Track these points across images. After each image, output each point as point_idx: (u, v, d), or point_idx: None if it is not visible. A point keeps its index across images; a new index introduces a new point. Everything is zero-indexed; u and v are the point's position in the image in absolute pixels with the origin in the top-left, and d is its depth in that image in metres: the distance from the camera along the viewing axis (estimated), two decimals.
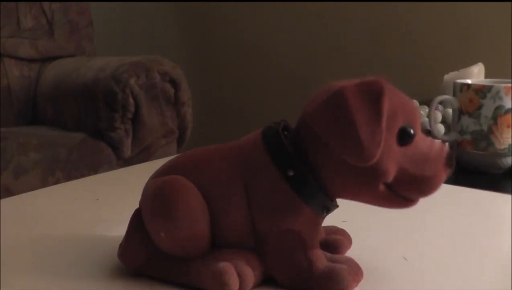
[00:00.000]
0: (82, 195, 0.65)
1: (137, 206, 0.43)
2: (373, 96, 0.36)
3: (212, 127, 2.18)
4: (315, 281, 0.39)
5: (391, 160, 0.37)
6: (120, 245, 0.43)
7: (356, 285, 0.40)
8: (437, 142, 0.39)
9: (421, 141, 0.38)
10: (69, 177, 1.29)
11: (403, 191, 0.38)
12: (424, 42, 1.64)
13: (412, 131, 0.37)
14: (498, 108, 0.76)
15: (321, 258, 0.40)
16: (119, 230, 0.44)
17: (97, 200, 0.63)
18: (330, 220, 0.43)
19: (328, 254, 0.42)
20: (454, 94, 0.81)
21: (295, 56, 1.94)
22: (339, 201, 0.42)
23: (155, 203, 0.40)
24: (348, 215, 0.49)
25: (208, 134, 2.07)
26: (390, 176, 0.37)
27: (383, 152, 0.36)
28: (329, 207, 0.40)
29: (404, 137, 0.37)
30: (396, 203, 0.39)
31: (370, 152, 0.35)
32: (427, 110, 0.92)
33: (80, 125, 1.47)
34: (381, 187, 0.37)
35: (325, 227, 0.45)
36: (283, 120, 0.42)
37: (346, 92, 0.36)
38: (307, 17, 1.89)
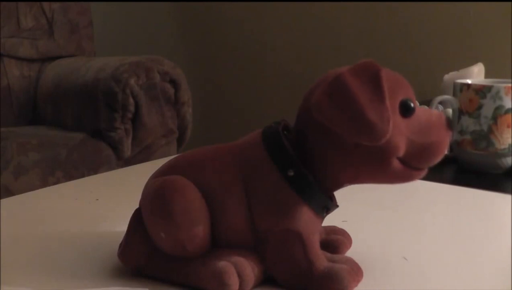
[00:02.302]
0: (82, 195, 0.65)
1: (137, 206, 0.43)
2: (371, 76, 0.37)
3: (212, 127, 2.18)
4: (315, 281, 0.39)
5: (399, 133, 0.37)
6: (120, 245, 0.43)
7: (356, 285, 0.40)
8: (434, 110, 0.40)
9: (420, 112, 0.39)
10: (69, 177, 1.28)
11: (414, 161, 0.38)
12: (424, 42, 1.64)
13: (412, 103, 0.38)
14: (498, 108, 0.76)
15: (321, 258, 0.40)
16: (119, 229, 0.44)
17: (97, 200, 0.63)
18: (330, 220, 0.43)
19: (328, 254, 0.42)
20: (454, 94, 0.81)
21: (295, 56, 1.94)
22: (339, 201, 0.42)
23: (155, 203, 0.40)
24: (348, 215, 0.49)
25: (208, 134, 2.07)
26: (402, 150, 0.38)
27: (392, 127, 0.36)
28: (329, 207, 0.40)
29: (406, 109, 0.38)
30: (409, 175, 0.39)
31: (382, 129, 0.36)
32: None
33: (80, 125, 1.47)
34: (395, 162, 0.38)
35: (325, 227, 0.45)
36: (283, 120, 0.42)
37: (345, 76, 0.37)
38: (307, 17, 1.89)
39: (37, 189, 0.71)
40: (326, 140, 0.38)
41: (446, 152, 0.39)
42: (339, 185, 0.40)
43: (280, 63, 1.99)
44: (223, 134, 2.09)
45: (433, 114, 0.39)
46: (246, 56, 2.07)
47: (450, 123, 0.39)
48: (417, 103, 0.40)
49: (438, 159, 0.39)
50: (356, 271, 0.40)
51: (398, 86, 0.38)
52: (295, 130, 0.41)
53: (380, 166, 0.38)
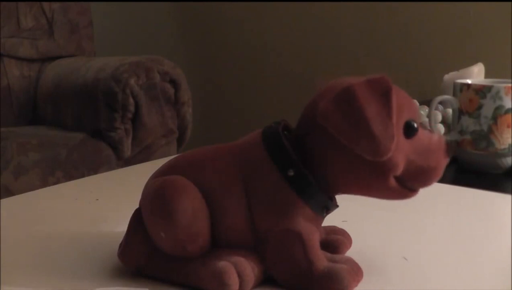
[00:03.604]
0: (82, 195, 0.65)
1: (137, 206, 0.43)
2: (382, 92, 0.37)
3: (212, 127, 2.18)
4: (315, 281, 0.39)
5: (400, 153, 0.38)
6: (120, 245, 0.43)
7: (356, 285, 0.40)
8: (435, 134, 0.41)
9: (422, 134, 0.39)
10: (69, 177, 1.28)
11: (410, 182, 0.39)
12: (424, 42, 1.64)
13: (415, 124, 0.39)
14: (498, 108, 0.76)
15: (321, 258, 0.40)
16: (119, 230, 0.44)
17: (97, 200, 0.63)
18: (330, 220, 0.43)
19: (328, 254, 0.42)
20: (454, 94, 0.81)
21: (295, 56, 1.94)
22: (339, 201, 0.42)
23: (155, 203, 0.40)
24: (348, 215, 0.49)
25: (208, 134, 2.07)
26: (400, 169, 0.38)
27: (394, 146, 0.37)
28: (329, 207, 0.40)
29: (410, 130, 0.38)
30: (403, 194, 0.40)
31: (385, 146, 0.36)
32: (427, 110, 0.92)
33: (80, 125, 1.47)
34: (392, 180, 0.38)
35: (325, 227, 0.45)
36: (283, 120, 0.42)
37: (356, 88, 0.37)
38: (307, 17, 1.89)
39: (37, 189, 0.71)
40: (328, 146, 0.38)
41: (440, 177, 0.40)
42: (334, 191, 0.41)
43: (280, 63, 1.99)
44: (223, 134, 2.09)
45: (434, 138, 0.40)
46: (246, 56, 2.07)
47: (449, 149, 0.40)
48: (420, 125, 0.40)
49: (432, 183, 0.40)
50: (356, 271, 0.40)
51: (405, 106, 0.39)
52: (296, 131, 0.41)
53: (376, 181, 0.38)
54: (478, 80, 0.88)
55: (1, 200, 0.62)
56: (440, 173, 0.40)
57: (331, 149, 0.38)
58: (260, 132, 0.41)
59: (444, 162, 0.40)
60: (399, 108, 0.38)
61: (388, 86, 0.37)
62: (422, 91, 1.45)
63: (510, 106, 0.76)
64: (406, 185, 0.39)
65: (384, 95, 0.37)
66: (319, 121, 0.38)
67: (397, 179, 0.39)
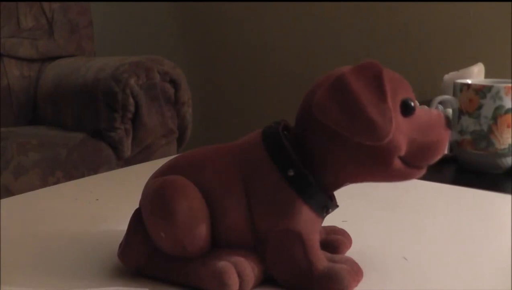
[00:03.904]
0: (82, 195, 0.65)
1: (137, 206, 0.43)
2: (373, 76, 0.37)
3: (212, 127, 2.18)
4: (315, 281, 0.39)
5: (401, 133, 0.38)
6: (120, 245, 0.43)
7: (356, 285, 0.40)
8: (433, 110, 0.41)
9: (420, 111, 0.39)
10: (69, 177, 1.28)
11: (415, 160, 0.39)
12: (424, 42, 1.64)
13: (412, 103, 0.39)
14: (498, 108, 0.76)
15: (321, 258, 0.40)
16: (119, 230, 0.44)
17: (97, 200, 0.63)
18: (330, 220, 0.43)
19: (328, 254, 0.42)
20: (454, 94, 0.81)
21: (295, 56, 1.94)
22: (339, 201, 0.42)
23: (155, 203, 0.40)
24: (348, 215, 0.49)
25: (208, 134, 2.07)
26: (403, 149, 0.38)
27: (393, 127, 0.37)
28: (329, 207, 0.40)
29: (407, 109, 0.38)
30: (409, 173, 0.39)
31: (385, 129, 0.36)
32: None
33: (80, 125, 1.47)
34: (396, 162, 0.38)
35: (325, 227, 0.45)
36: (283, 120, 0.42)
37: (347, 77, 0.37)
38: (307, 17, 1.89)
39: (37, 189, 0.71)
40: (327, 140, 0.38)
41: (445, 150, 0.40)
42: (339, 184, 0.40)
43: (280, 63, 1.99)
44: (223, 134, 2.09)
45: (433, 113, 0.40)
46: (246, 56, 2.07)
47: (449, 122, 0.40)
48: (417, 103, 0.40)
49: (438, 157, 0.39)
50: (356, 271, 0.40)
51: (399, 86, 0.39)
52: (295, 130, 0.41)
53: (381, 165, 0.38)
54: (478, 80, 0.88)
55: (1, 200, 0.62)
56: (444, 146, 0.39)
57: (331, 141, 0.38)
58: (260, 132, 0.41)
59: (445, 134, 0.40)
60: (393, 89, 0.38)
61: (378, 70, 0.38)
62: (422, 91, 1.45)
63: (510, 106, 0.76)
64: (412, 163, 0.39)
65: (376, 79, 0.37)
66: (315, 115, 0.37)
67: (402, 159, 0.38)
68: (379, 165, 0.38)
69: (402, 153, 0.38)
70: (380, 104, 0.36)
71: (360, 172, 0.39)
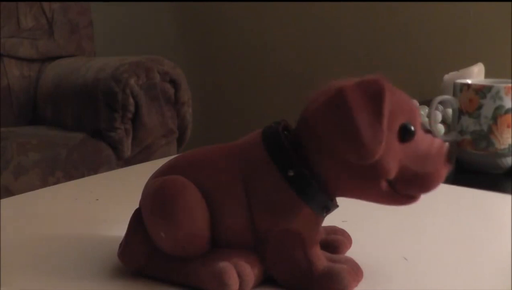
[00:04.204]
0: (82, 195, 0.65)
1: (137, 206, 0.43)
2: (373, 95, 0.36)
3: (212, 127, 2.18)
4: (315, 281, 0.39)
5: (393, 157, 0.37)
6: (120, 245, 0.43)
7: (356, 285, 0.40)
8: (437, 139, 0.39)
9: (421, 138, 0.38)
10: (69, 177, 1.28)
11: (404, 188, 0.38)
12: (424, 42, 1.64)
13: (412, 128, 0.38)
14: (498, 108, 0.76)
15: (321, 258, 0.40)
16: (119, 230, 0.44)
17: (97, 200, 0.63)
18: (330, 220, 0.43)
19: (328, 254, 0.42)
20: (454, 94, 0.81)
21: (295, 56, 1.94)
22: (339, 201, 0.42)
23: (155, 203, 0.40)
24: (348, 215, 0.49)
25: (208, 134, 2.07)
26: (392, 173, 0.37)
27: (385, 150, 0.36)
28: (329, 207, 0.40)
29: (405, 134, 0.37)
30: (398, 200, 0.39)
31: (371, 149, 0.35)
32: (427, 110, 0.92)
33: (80, 125, 1.47)
34: (383, 185, 0.38)
35: (325, 227, 0.45)
36: (283, 120, 0.42)
37: (347, 91, 0.36)
38: (307, 17, 1.89)
39: (37, 189, 0.71)
40: (321, 150, 0.38)
41: (439, 185, 0.38)
42: (332, 193, 0.40)
43: (280, 63, 1.99)
44: (223, 134, 2.09)
45: (435, 143, 0.39)
46: (246, 56, 2.07)
47: (450, 156, 0.38)
48: (420, 129, 0.39)
49: (430, 190, 0.38)
50: (356, 271, 0.40)
51: (402, 108, 0.37)
52: (295, 131, 0.41)
53: (368, 185, 0.38)
54: (478, 80, 0.88)
55: (1, 200, 0.62)
56: (439, 180, 0.38)
57: (324, 152, 0.38)
58: (260, 132, 0.41)
59: (443, 168, 0.38)
60: (394, 110, 0.37)
61: (380, 89, 0.36)
62: (422, 91, 1.45)
63: (510, 106, 0.76)
64: (401, 190, 0.38)
65: (375, 99, 0.36)
66: (310, 124, 0.37)
67: (391, 184, 0.38)
68: (365, 183, 0.38)
69: (390, 177, 0.37)
70: (373, 125, 0.36)
71: (350, 187, 0.39)
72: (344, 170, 0.38)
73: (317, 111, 0.37)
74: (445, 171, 0.38)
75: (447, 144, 0.39)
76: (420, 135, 0.38)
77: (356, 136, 0.35)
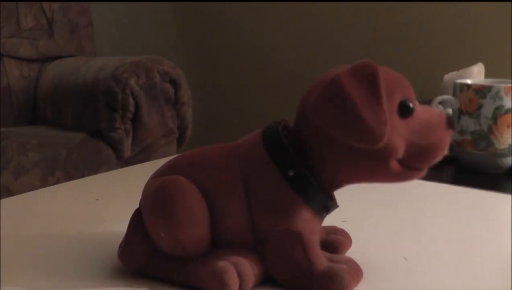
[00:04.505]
0: (82, 195, 0.65)
1: (137, 206, 0.43)
2: (368, 78, 0.37)
3: (212, 127, 2.18)
4: (315, 281, 0.39)
5: (398, 135, 0.37)
6: (120, 245, 0.43)
7: (356, 285, 0.40)
8: (434, 109, 0.39)
9: (420, 111, 0.39)
10: (69, 177, 1.28)
11: (413, 162, 0.38)
12: (424, 42, 1.64)
13: (411, 104, 0.38)
14: (498, 108, 0.76)
15: (321, 258, 0.40)
16: (119, 230, 0.44)
17: (97, 200, 0.63)
18: (330, 220, 0.43)
19: (328, 254, 0.42)
20: (454, 94, 0.81)
21: (295, 56, 1.94)
22: (339, 201, 0.42)
23: (155, 203, 0.40)
24: (348, 215, 0.49)
25: (208, 134, 2.07)
26: (400, 151, 0.37)
27: (390, 129, 0.36)
28: (329, 207, 0.40)
29: (405, 110, 0.38)
30: (409, 175, 0.39)
31: (379, 132, 0.35)
32: None
33: (80, 125, 1.47)
34: (393, 164, 0.37)
35: (325, 227, 0.45)
36: (283, 120, 0.42)
37: (342, 79, 0.36)
38: (307, 17, 1.89)
39: (37, 189, 0.71)
40: (324, 142, 0.38)
41: (446, 152, 0.39)
42: (338, 185, 0.40)
43: (280, 63, 1.99)
44: (223, 134, 2.09)
45: (433, 113, 0.39)
46: (246, 56, 2.07)
47: (450, 122, 0.39)
48: (417, 103, 0.39)
49: (438, 159, 0.39)
50: (356, 271, 0.40)
51: (397, 86, 0.38)
52: (295, 130, 0.41)
53: (378, 167, 0.38)
54: (478, 80, 0.88)
55: (1, 200, 0.62)
56: (444, 147, 0.38)
57: (327, 143, 0.38)
58: (260, 132, 0.41)
59: (446, 135, 0.38)
60: (390, 89, 0.37)
61: (373, 71, 0.37)
62: (422, 91, 1.45)
63: (510, 106, 0.76)
64: (410, 165, 0.38)
65: (370, 81, 0.36)
66: (309, 118, 0.37)
67: (400, 161, 0.38)
68: (375, 167, 0.38)
69: (400, 155, 0.37)
70: (375, 107, 0.36)
71: (358, 173, 0.39)
72: (352, 157, 0.37)
73: (315, 103, 0.37)
74: (448, 137, 0.39)
75: (445, 112, 0.39)
76: (418, 108, 0.38)
77: (360, 122, 0.35)
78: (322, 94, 0.37)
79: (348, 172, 0.39)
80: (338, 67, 0.39)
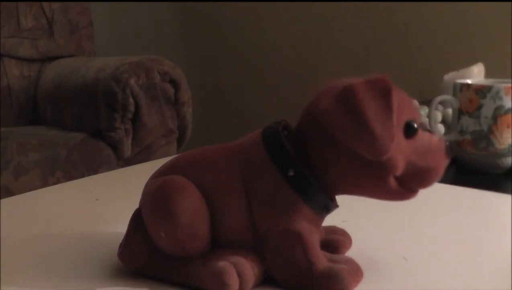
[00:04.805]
0: (82, 195, 0.65)
1: (137, 206, 0.43)
2: (382, 92, 0.37)
3: (212, 127, 2.18)
4: (315, 281, 0.39)
5: (400, 153, 0.38)
6: (120, 245, 0.43)
7: (356, 285, 0.40)
8: (434, 135, 0.41)
9: (422, 135, 0.40)
10: (69, 177, 1.28)
11: (410, 182, 0.39)
12: (424, 42, 1.64)
13: (415, 125, 0.39)
14: (498, 108, 0.76)
15: (321, 258, 0.40)
16: (119, 230, 0.44)
17: (97, 200, 0.63)
18: (330, 220, 0.43)
19: (328, 254, 0.42)
20: (454, 94, 0.81)
21: (295, 56, 1.94)
22: (339, 201, 0.42)
23: (155, 203, 0.40)
24: (348, 215, 0.49)
25: (208, 134, 2.07)
26: (400, 169, 0.38)
27: (394, 146, 0.37)
28: (329, 206, 0.40)
29: (410, 130, 0.39)
30: (402, 195, 0.40)
31: (385, 145, 0.36)
32: (427, 110, 0.92)
33: (80, 125, 1.47)
34: (392, 181, 0.38)
35: (325, 227, 0.45)
36: (283, 120, 0.42)
37: (357, 88, 0.37)
38: (307, 17, 1.89)
39: (37, 189, 0.71)
40: (328, 147, 0.38)
41: (440, 178, 0.40)
42: (334, 191, 0.41)
43: (280, 63, 1.99)
44: (223, 134, 2.09)
45: (434, 139, 0.40)
46: (246, 56, 2.07)
47: (448, 150, 0.40)
48: (420, 126, 0.40)
49: (433, 183, 0.40)
50: (356, 271, 0.40)
51: (405, 106, 0.39)
52: (296, 130, 0.41)
53: (377, 181, 0.38)
54: (478, 80, 0.88)
55: (1, 200, 0.62)
56: (441, 173, 0.40)
57: (331, 149, 0.38)
58: (260, 132, 0.41)
59: (444, 162, 0.40)
60: (399, 108, 0.38)
61: (388, 87, 0.37)
62: (422, 91, 1.45)
63: (510, 106, 0.76)
64: (407, 185, 0.39)
65: (384, 96, 0.37)
66: (319, 120, 0.38)
67: (397, 179, 0.39)
68: (375, 180, 0.38)
69: (399, 172, 0.38)
70: (385, 121, 0.36)
71: (356, 183, 0.39)
72: (353, 167, 0.38)
73: (327, 108, 0.37)
74: (445, 163, 0.40)
75: (443, 140, 0.41)
76: (420, 132, 0.39)
77: (369, 132, 0.36)
78: (335, 99, 0.37)
79: (346, 182, 0.39)
80: (353, 78, 0.40)
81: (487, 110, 0.76)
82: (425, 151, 0.39)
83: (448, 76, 1.14)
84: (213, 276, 0.39)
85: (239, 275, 0.39)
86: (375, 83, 0.38)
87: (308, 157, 0.39)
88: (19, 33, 1.71)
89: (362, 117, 0.36)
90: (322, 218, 0.41)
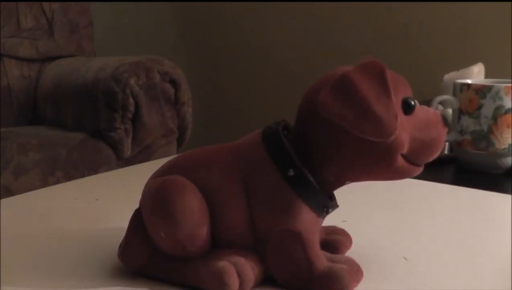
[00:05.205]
0: (82, 195, 0.65)
1: (137, 206, 0.43)
2: (377, 74, 0.38)
3: (212, 127, 2.18)
4: (315, 281, 0.39)
5: (404, 130, 0.38)
6: (120, 245, 0.43)
7: (356, 285, 0.40)
8: (429, 108, 0.41)
9: (418, 109, 0.40)
10: (69, 177, 1.28)
11: (416, 157, 0.39)
12: (424, 42, 1.64)
13: (412, 101, 0.39)
14: (498, 108, 0.76)
15: (321, 258, 0.40)
16: (119, 230, 0.44)
17: (97, 200, 0.63)
18: (330, 220, 0.43)
19: (328, 254, 0.42)
20: (454, 94, 0.81)
21: (295, 56, 1.94)
22: (339, 201, 0.42)
23: (155, 203, 0.40)
24: (348, 215, 0.49)
25: (208, 134, 2.07)
26: (406, 146, 0.38)
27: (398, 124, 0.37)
28: (329, 206, 0.40)
29: (408, 107, 0.39)
30: (411, 171, 0.40)
31: (391, 126, 0.36)
32: None
33: (80, 125, 1.47)
34: (399, 159, 0.38)
35: (325, 227, 0.45)
36: (283, 120, 0.42)
37: (352, 74, 0.37)
38: (307, 17, 1.89)
39: (37, 189, 0.71)
40: (331, 138, 0.38)
41: (444, 149, 0.41)
42: (340, 183, 0.41)
43: (280, 63, 1.99)
44: (223, 134, 2.09)
45: (430, 111, 0.40)
46: (246, 56, 2.07)
47: (445, 120, 0.40)
48: (416, 101, 0.40)
49: (437, 154, 0.40)
50: (356, 271, 0.40)
51: (400, 84, 0.39)
52: (295, 130, 0.41)
53: (385, 162, 0.38)
54: (478, 80, 0.88)
55: (1, 200, 0.62)
56: (442, 143, 0.40)
57: (335, 139, 0.38)
58: (260, 132, 0.41)
59: (443, 131, 0.40)
60: (395, 87, 0.38)
61: (381, 68, 0.38)
62: (422, 91, 1.45)
63: (510, 106, 0.76)
64: (413, 161, 0.39)
65: (379, 78, 0.37)
66: (319, 112, 0.37)
67: (404, 156, 0.39)
68: (382, 162, 0.38)
69: (405, 150, 0.38)
70: (385, 101, 0.37)
71: (364, 169, 0.39)
72: (360, 152, 0.38)
73: (325, 98, 0.37)
74: (444, 133, 0.41)
75: (440, 111, 0.41)
76: (418, 107, 0.40)
77: (372, 115, 0.36)
78: (332, 88, 0.37)
79: (354, 168, 0.39)
80: (343, 66, 0.40)
81: (487, 110, 0.76)
82: (425, 124, 0.39)
83: (448, 76, 1.14)
84: (213, 276, 0.39)
85: (239, 275, 0.39)
86: (368, 67, 0.38)
87: (308, 157, 0.39)
88: (19, 33, 1.71)
89: (364, 102, 0.36)
90: (322, 218, 0.41)
